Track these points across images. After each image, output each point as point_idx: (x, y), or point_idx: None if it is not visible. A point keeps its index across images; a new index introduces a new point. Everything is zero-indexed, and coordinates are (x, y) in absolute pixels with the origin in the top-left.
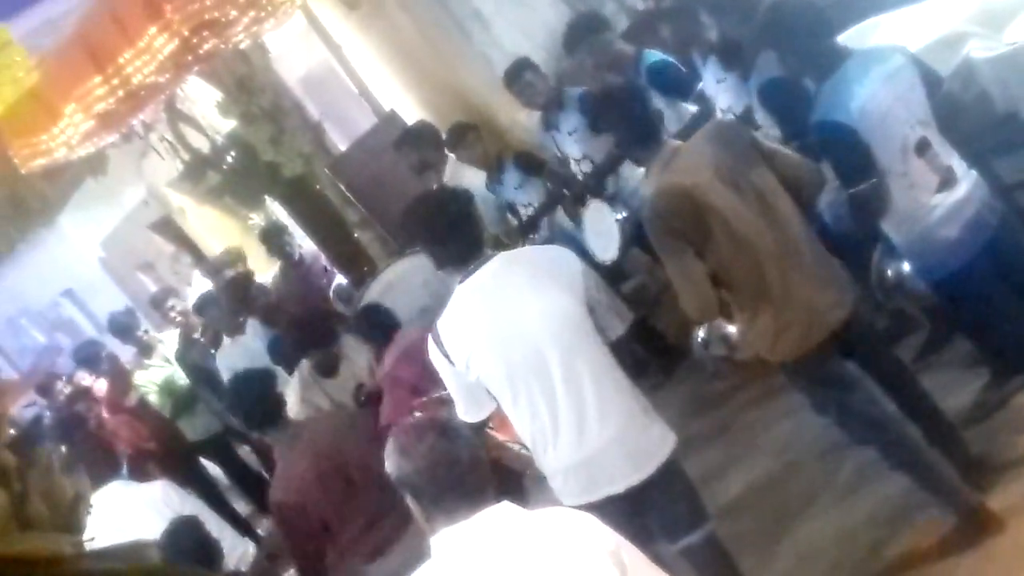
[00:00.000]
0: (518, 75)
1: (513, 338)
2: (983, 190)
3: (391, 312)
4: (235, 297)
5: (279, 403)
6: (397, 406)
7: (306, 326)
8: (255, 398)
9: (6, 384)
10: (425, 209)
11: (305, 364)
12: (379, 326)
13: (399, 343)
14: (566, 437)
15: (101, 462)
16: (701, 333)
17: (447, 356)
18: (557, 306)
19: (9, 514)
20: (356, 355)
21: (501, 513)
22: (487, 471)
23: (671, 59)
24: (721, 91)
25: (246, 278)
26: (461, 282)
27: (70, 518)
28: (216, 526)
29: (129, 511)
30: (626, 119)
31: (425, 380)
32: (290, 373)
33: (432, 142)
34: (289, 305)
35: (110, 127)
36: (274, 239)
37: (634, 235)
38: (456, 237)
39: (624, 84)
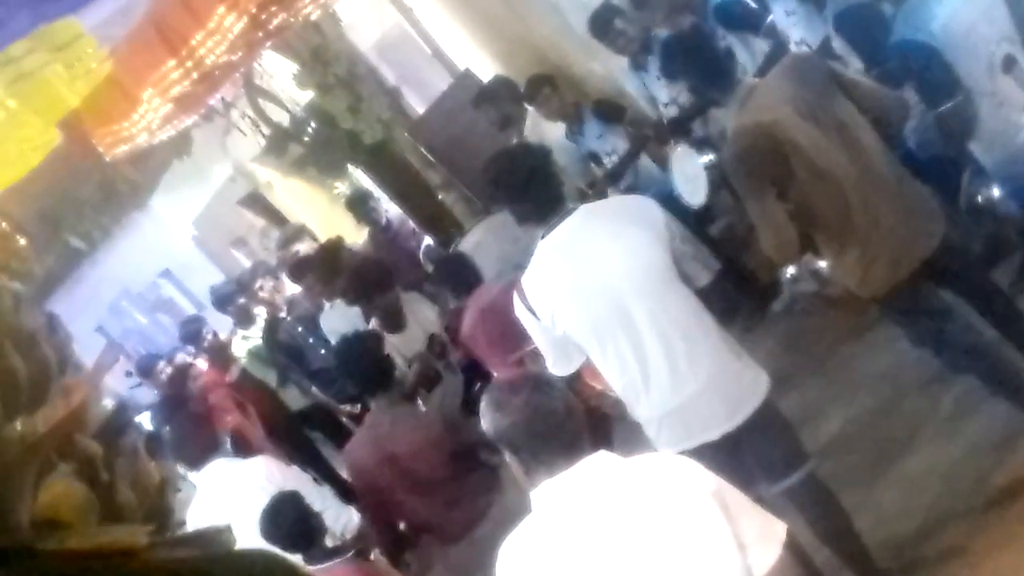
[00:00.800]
0: (607, 24)
1: (598, 291)
2: None
3: (475, 265)
4: (328, 263)
5: (391, 364)
6: (489, 361)
7: (364, 274)
8: (367, 360)
9: (76, 381)
10: (502, 167)
11: (373, 323)
12: (461, 276)
13: (478, 301)
14: (657, 386)
15: (205, 441)
16: (791, 269)
17: (533, 312)
18: (641, 256)
19: (91, 507)
20: (421, 308)
21: (599, 462)
22: (582, 421)
23: None
24: (792, 24)
25: (336, 244)
26: (543, 237)
27: (158, 503)
28: (319, 497)
29: (232, 488)
30: (695, 63)
31: (508, 336)
32: None
33: (511, 96)
34: None
35: (188, 109)
36: (360, 206)
37: (722, 178)
38: (535, 193)
39: (688, 29)
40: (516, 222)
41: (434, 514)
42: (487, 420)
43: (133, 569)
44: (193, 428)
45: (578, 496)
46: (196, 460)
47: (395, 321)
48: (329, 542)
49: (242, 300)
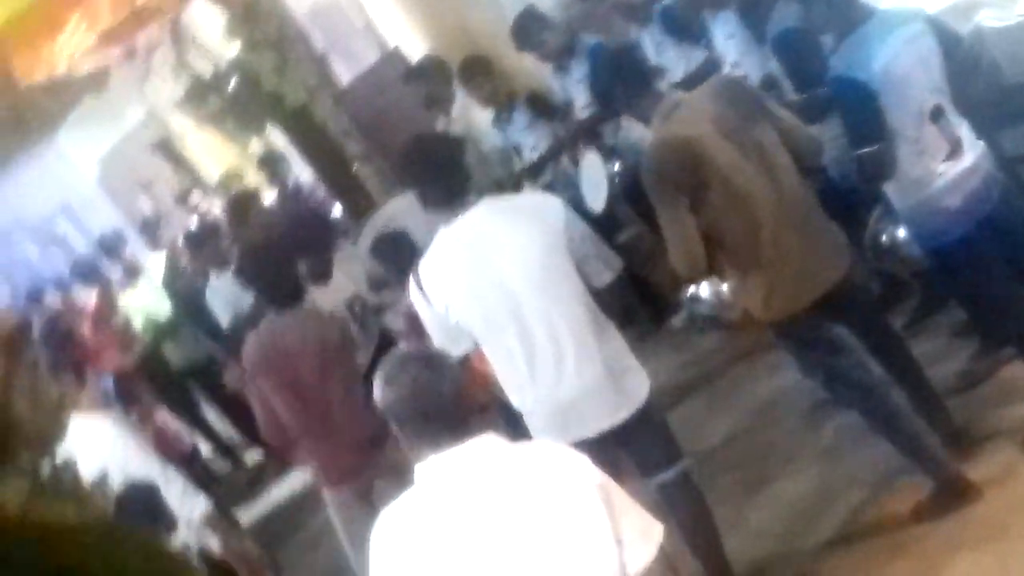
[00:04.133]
0: (526, 32)
1: (492, 286)
2: (988, 162)
3: (415, 243)
4: (238, 214)
5: (299, 279)
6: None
7: (302, 228)
8: (278, 269)
9: None
10: (415, 151)
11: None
12: (400, 253)
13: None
14: (541, 382)
15: (77, 381)
16: (692, 288)
17: (426, 298)
18: (537, 254)
19: None
20: (349, 264)
21: (488, 444)
22: (471, 404)
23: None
24: (731, 47)
25: (249, 195)
26: (445, 226)
27: (52, 421)
28: (163, 482)
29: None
30: (622, 79)
31: None
32: None
33: (442, 77)
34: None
35: (112, 44)
36: (272, 166)
37: (626, 189)
38: (441, 180)
39: (619, 46)
40: (421, 206)
41: (311, 433)
42: (377, 391)
43: (6, 520)
44: (72, 367)
45: (463, 476)
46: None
47: (322, 272)
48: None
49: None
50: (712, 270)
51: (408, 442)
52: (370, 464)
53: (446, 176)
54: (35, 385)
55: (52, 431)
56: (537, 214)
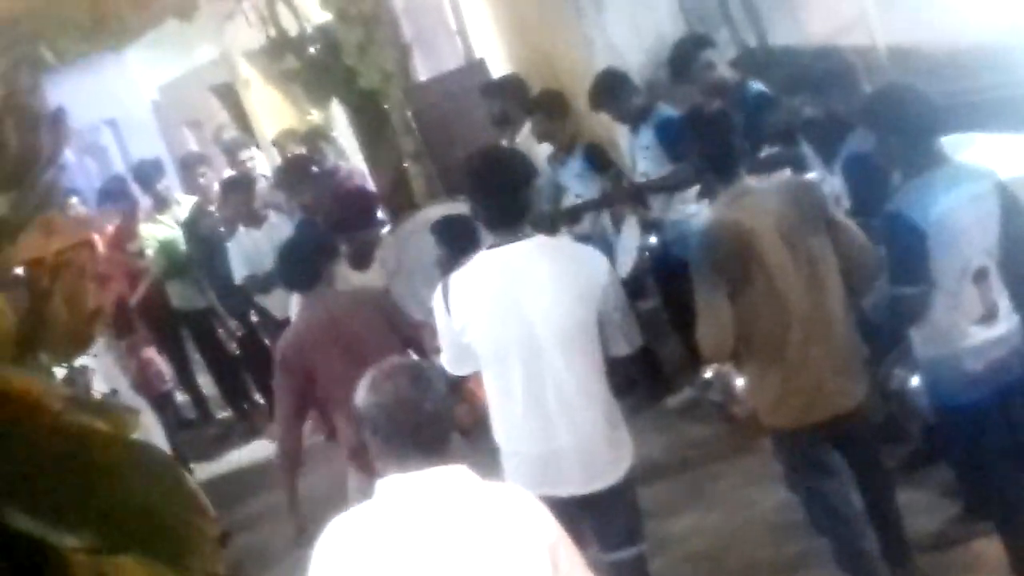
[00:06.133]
0: (611, 94)
1: (513, 321)
2: (1019, 338)
3: (477, 229)
4: (294, 174)
5: (318, 273)
6: None
7: (352, 204)
8: (298, 260)
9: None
10: (491, 162)
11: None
12: (461, 239)
13: None
14: (529, 429)
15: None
16: (708, 374)
17: (448, 311)
18: (567, 309)
19: (13, 330)
20: (385, 254)
21: (454, 475)
22: (448, 429)
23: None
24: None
25: (309, 159)
26: (489, 248)
27: (85, 329)
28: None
29: None
30: (708, 148)
31: None
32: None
33: (521, 99)
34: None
35: None
36: (314, 142)
37: (655, 265)
38: (504, 200)
39: (715, 112)
40: (472, 216)
41: None
42: (358, 395)
43: (41, 424)
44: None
45: (419, 502)
46: None
47: (364, 259)
48: None
49: (164, 184)
50: (734, 359)
51: (377, 454)
52: None
53: (510, 197)
54: (77, 291)
55: (80, 340)
56: (583, 266)
